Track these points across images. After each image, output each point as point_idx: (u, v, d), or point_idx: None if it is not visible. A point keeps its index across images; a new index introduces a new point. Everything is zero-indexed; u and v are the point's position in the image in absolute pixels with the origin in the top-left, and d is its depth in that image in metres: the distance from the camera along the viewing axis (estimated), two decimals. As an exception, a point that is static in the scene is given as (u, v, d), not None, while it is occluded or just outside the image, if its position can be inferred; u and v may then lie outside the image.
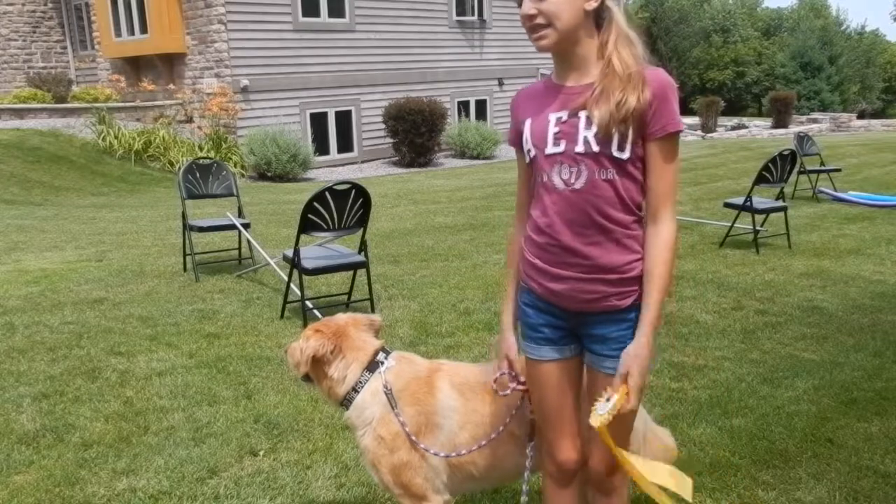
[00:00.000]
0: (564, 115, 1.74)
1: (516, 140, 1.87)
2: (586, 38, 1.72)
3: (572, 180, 1.73)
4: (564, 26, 1.68)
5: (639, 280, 1.76)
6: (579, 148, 1.71)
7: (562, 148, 1.73)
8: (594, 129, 1.68)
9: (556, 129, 1.74)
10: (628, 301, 1.76)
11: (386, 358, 2.16)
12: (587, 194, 1.72)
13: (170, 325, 4.87)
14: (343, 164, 16.34)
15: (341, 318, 2.24)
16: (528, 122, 1.81)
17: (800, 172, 9.30)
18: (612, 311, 1.77)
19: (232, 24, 14.50)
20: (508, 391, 1.98)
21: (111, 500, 2.77)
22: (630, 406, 1.71)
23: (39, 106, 14.63)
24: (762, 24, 46.54)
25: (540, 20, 1.68)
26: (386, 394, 2.08)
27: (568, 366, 1.90)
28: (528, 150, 1.81)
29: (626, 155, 1.69)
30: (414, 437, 2.05)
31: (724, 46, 42.46)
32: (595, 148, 1.69)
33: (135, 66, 16.62)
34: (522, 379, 1.98)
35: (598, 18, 1.73)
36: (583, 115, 1.70)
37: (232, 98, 14.54)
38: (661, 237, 1.71)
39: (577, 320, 1.83)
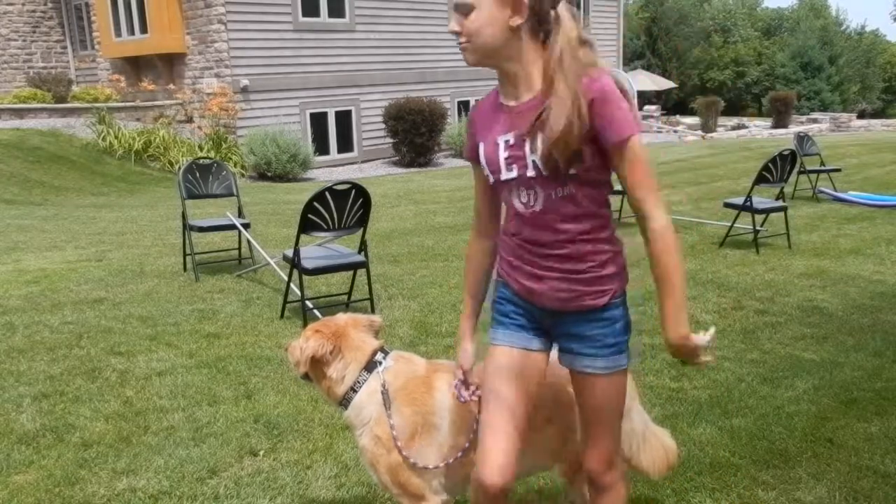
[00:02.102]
0: (511, 137, 1.70)
1: (474, 156, 1.83)
2: (523, 55, 1.66)
3: (531, 203, 1.72)
4: (486, 44, 1.64)
5: (613, 278, 1.76)
6: (530, 172, 1.69)
7: (514, 173, 1.71)
8: (538, 150, 1.66)
9: (506, 154, 1.71)
10: (604, 300, 1.76)
11: (384, 358, 2.16)
12: (547, 214, 1.71)
13: (170, 324, 4.87)
14: (343, 164, 16.35)
15: (341, 318, 2.24)
16: (481, 146, 1.78)
17: (800, 172, 9.29)
18: (588, 311, 1.77)
19: (232, 24, 14.50)
20: (464, 399, 1.98)
21: (111, 500, 2.77)
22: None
23: (39, 106, 14.63)
24: (762, 24, 46.47)
25: (463, 38, 1.65)
26: (382, 393, 2.08)
27: (529, 358, 1.86)
28: (487, 176, 1.79)
29: (577, 169, 1.66)
30: (400, 444, 2.04)
31: (724, 46, 42.42)
32: (545, 171, 1.67)
33: (135, 66, 16.62)
34: (476, 388, 1.97)
35: (545, 31, 1.66)
36: (527, 137, 1.68)
37: (232, 98, 14.55)
38: (656, 232, 1.68)
39: (553, 320, 1.82)
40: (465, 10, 1.63)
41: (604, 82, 1.63)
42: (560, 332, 1.84)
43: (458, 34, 1.66)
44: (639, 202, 1.67)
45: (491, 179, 1.78)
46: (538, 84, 1.67)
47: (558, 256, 1.74)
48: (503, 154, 1.72)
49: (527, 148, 1.67)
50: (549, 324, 1.84)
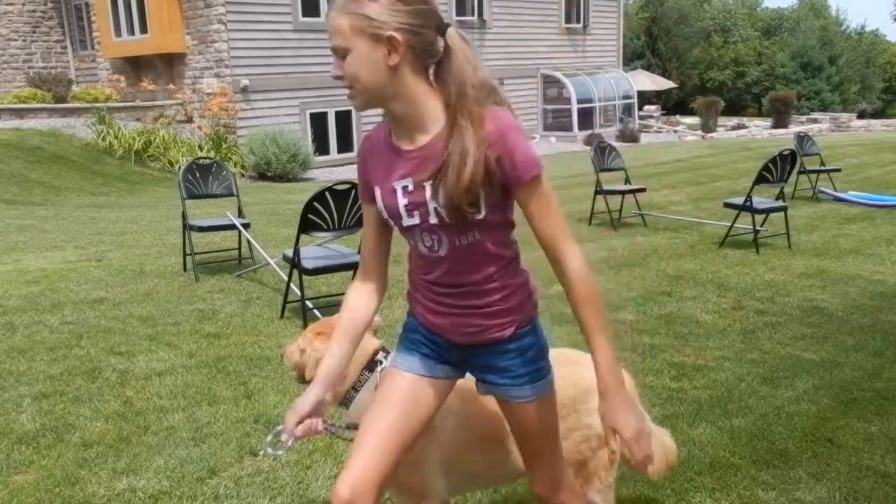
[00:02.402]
0: (409, 183, 1.60)
1: (368, 196, 1.72)
2: (410, 94, 1.56)
3: (435, 247, 1.65)
4: (367, 87, 1.55)
5: (518, 309, 1.70)
6: (433, 220, 1.60)
7: (416, 220, 1.62)
8: (441, 200, 1.56)
9: (406, 201, 1.61)
10: (509, 331, 1.69)
11: (385, 358, 2.16)
12: (452, 258, 1.65)
13: (170, 324, 4.87)
14: (343, 164, 16.36)
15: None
16: (377, 190, 1.68)
17: (800, 172, 9.30)
18: (494, 343, 1.71)
19: (232, 24, 14.51)
20: (281, 452, 1.82)
21: (111, 500, 2.77)
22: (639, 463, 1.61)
23: (39, 106, 14.64)
24: (762, 24, 46.47)
25: (346, 82, 1.56)
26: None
27: (427, 384, 1.79)
28: (387, 220, 1.71)
29: (482, 214, 1.57)
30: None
31: (724, 46, 42.42)
32: (448, 219, 1.58)
33: (135, 66, 16.63)
34: (299, 433, 1.79)
35: (435, 64, 1.56)
36: (427, 183, 1.57)
37: (232, 98, 14.56)
38: (572, 278, 1.57)
39: (462, 353, 1.77)
40: (341, 54, 1.53)
41: (502, 119, 1.53)
42: (472, 365, 1.79)
43: (340, 79, 1.56)
44: (551, 243, 1.58)
45: (391, 224, 1.71)
46: (432, 125, 1.57)
47: (461, 294, 1.68)
48: (402, 201, 1.62)
49: (427, 194, 1.57)
50: (458, 356, 1.78)
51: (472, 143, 1.49)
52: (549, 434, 1.82)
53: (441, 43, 1.54)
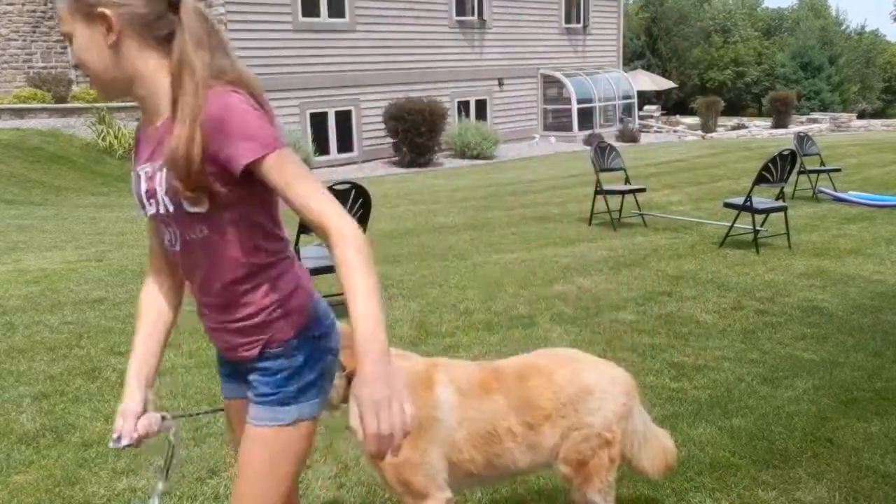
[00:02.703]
0: (149, 168, 1.49)
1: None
2: (139, 74, 1.45)
3: (173, 241, 1.54)
4: (95, 72, 1.45)
5: (268, 327, 1.55)
6: (162, 209, 1.48)
7: (154, 209, 1.50)
8: (164, 186, 1.46)
9: (145, 188, 1.50)
10: (255, 351, 1.56)
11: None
12: (189, 256, 1.54)
13: (170, 324, 4.87)
14: (343, 164, 16.36)
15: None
16: (132, 175, 1.57)
17: (800, 172, 9.29)
18: (247, 361, 1.59)
19: (232, 24, 14.50)
20: (122, 444, 1.72)
21: (111, 500, 2.77)
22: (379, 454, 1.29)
23: (39, 106, 14.64)
24: (762, 24, 46.46)
25: (82, 70, 1.47)
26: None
27: (244, 406, 1.67)
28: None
29: (204, 208, 1.44)
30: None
31: (724, 46, 42.42)
32: (170, 208, 1.46)
33: (135, 66, 16.63)
34: (142, 431, 1.76)
35: (166, 39, 1.44)
36: (158, 169, 1.47)
37: (232, 98, 14.55)
38: (338, 236, 1.37)
39: (234, 367, 1.67)
40: (69, 40, 1.43)
41: (226, 100, 1.40)
42: (242, 381, 1.66)
43: (77, 67, 1.48)
44: (311, 213, 1.39)
45: (139, 213, 1.59)
46: (166, 106, 1.45)
47: (215, 307, 1.57)
48: (143, 187, 1.51)
49: (157, 181, 1.46)
50: (236, 370, 1.67)
51: (186, 121, 1.38)
52: (262, 475, 1.57)
53: (176, 18, 1.44)
